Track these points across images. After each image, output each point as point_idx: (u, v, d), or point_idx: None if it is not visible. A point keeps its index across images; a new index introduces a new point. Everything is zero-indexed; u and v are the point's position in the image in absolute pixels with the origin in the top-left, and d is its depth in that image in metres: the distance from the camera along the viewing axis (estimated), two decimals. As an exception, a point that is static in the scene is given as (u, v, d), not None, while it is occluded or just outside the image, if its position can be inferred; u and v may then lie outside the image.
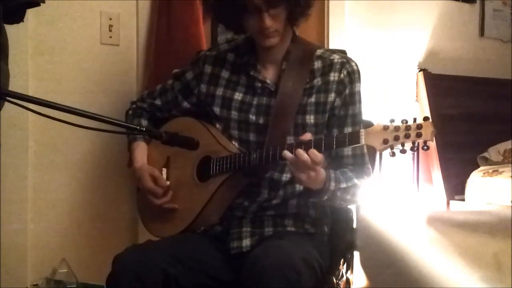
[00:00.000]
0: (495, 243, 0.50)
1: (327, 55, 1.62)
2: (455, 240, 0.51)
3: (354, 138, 1.36)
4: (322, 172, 1.42)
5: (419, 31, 2.92)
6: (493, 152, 2.80)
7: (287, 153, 1.39)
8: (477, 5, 3.14)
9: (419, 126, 1.29)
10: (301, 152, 1.36)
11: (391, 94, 2.75)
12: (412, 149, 1.31)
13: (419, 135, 1.29)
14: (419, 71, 2.85)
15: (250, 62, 1.63)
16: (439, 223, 0.60)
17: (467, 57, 3.08)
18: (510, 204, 2.37)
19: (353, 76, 1.58)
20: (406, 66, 2.86)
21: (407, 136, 1.30)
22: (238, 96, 1.62)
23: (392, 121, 1.32)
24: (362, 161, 1.59)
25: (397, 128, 1.31)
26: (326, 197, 1.47)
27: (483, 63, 3.11)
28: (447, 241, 0.50)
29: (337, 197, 1.49)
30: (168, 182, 1.66)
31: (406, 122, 1.31)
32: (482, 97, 2.99)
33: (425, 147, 1.30)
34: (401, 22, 2.85)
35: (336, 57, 1.60)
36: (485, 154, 2.82)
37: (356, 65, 1.61)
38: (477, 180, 2.64)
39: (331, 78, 1.57)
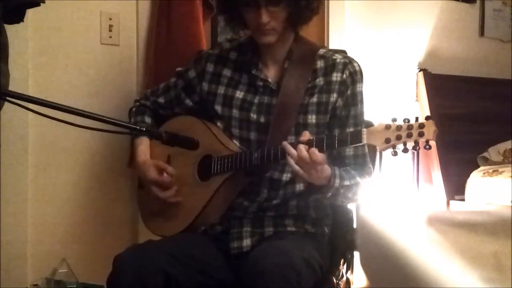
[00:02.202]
0: (495, 243, 0.50)
1: (330, 55, 1.62)
2: (455, 240, 0.51)
3: (356, 137, 1.35)
4: (326, 168, 1.41)
5: (419, 31, 2.92)
6: (493, 152, 2.79)
7: (287, 146, 1.38)
8: (477, 5, 3.13)
9: (421, 125, 1.28)
10: (302, 148, 1.36)
11: (391, 94, 2.75)
12: (414, 148, 1.31)
13: (421, 135, 1.28)
14: (419, 71, 2.85)
15: (253, 61, 1.62)
16: (439, 223, 0.60)
17: (467, 57, 3.08)
18: (510, 204, 2.37)
19: (355, 76, 1.58)
20: (406, 66, 2.85)
21: (409, 136, 1.29)
22: (239, 94, 1.62)
23: (394, 120, 1.31)
24: (364, 161, 1.59)
25: (399, 128, 1.30)
26: (330, 194, 1.47)
27: (483, 63, 3.11)
28: (447, 241, 0.50)
29: (340, 195, 1.49)
30: (174, 171, 1.63)
31: (408, 121, 1.30)
32: (482, 97, 2.98)
33: (427, 147, 1.29)
34: (401, 22, 2.85)
35: (338, 57, 1.60)
36: (485, 154, 2.81)
37: (359, 65, 1.61)
38: (477, 180, 2.63)
39: (334, 78, 1.57)
